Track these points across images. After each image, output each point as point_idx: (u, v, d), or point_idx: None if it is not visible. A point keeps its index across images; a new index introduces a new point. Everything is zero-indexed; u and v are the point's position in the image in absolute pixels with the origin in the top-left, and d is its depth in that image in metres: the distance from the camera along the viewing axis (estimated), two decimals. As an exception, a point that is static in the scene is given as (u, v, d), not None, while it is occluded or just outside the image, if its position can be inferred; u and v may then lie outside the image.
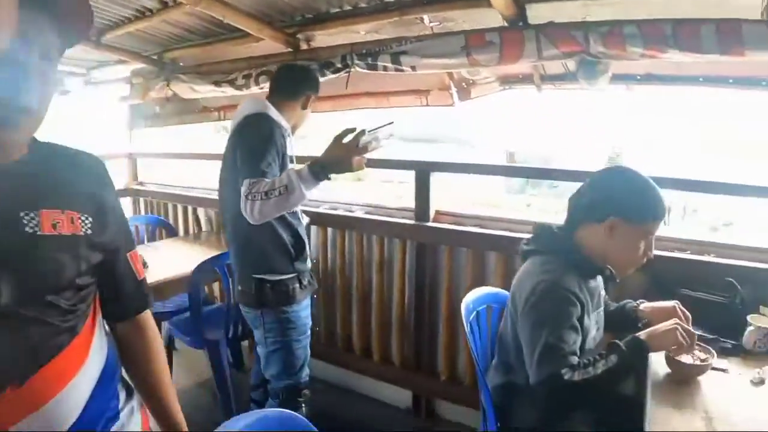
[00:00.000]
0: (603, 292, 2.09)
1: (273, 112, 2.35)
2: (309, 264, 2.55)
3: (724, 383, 2.24)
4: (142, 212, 4.94)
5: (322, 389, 3.47)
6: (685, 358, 2.22)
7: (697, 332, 2.35)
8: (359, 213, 3.57)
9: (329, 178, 2.04)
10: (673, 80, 2.76)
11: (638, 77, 2.86)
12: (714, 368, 2.27)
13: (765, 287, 2.64)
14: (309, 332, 2.53)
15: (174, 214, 4.75)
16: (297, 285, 2.45)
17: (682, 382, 2.20)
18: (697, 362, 2.04)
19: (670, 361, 2.21)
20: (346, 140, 2.00)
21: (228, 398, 2.94)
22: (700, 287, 2.52)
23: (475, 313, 2.28)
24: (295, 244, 2.41)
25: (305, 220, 2.62)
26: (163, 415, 1.39)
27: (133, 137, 5.06)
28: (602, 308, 2.07)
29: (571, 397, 1.69)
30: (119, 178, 4.78)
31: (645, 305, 2.18)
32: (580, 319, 1.78)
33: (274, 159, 2.17)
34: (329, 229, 3.59)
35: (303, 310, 2.49)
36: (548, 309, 1.75)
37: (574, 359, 1.69)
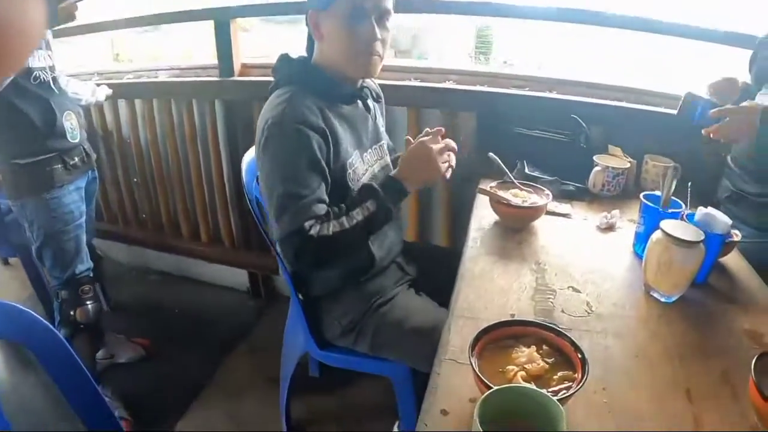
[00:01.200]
0: (382, 128, 1.76)
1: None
2: (76, 140, 2.09)
3: (566, 230, 1.79)
4: None
5: (159, 280, 3.22)
6: (514, 200, 1.74)
7: (534, 173, 1.97)
8: (163, 77, 2.93)
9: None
10: None
11: None
12: (553, 213, 1.84)
13: (614, 126, 2.26)
14: (82, 220, 2.14)
15: None
16: (59, 166, 2.02)
17: (516, 229, 1.75)
18: (526, 205, 1.72)
19: (496, 205, 1.74)
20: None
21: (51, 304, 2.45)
22: (539, 126, 2.18)
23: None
24: (42, 118, 1.95)
25: (74, 87, 2.23)
26: None
27: None
28: (384, 143, 1.74)
29: (325, 252, 1.41)
30: None
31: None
32: (335, 154, 1.45)
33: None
34: (137, 102, 2.93)
35: (67, 195, 2.06)
36: (278, 150, 1.39)
37: (321, 207, 1.39)
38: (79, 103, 2.20)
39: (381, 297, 1.63)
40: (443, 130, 1.52)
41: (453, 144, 1.52)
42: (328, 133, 1.40)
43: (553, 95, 2.32)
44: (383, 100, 1.79)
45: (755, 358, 1.05)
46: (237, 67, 2.74)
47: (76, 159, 2.09)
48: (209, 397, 2.27)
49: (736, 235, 1.58)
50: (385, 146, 1.71)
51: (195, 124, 2.85)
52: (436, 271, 1.79)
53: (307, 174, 1.36)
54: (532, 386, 0.93)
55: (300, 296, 1.68)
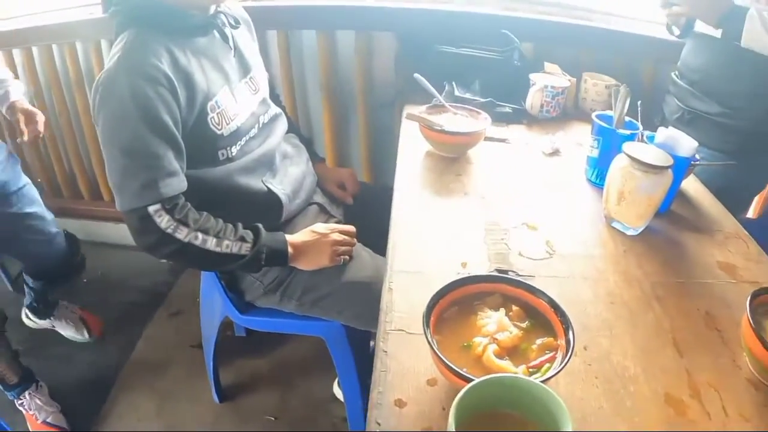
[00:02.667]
0: (252, 57, 1.46)
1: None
2: None
3: (507, 157, 1.57)
4: None
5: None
6: (450, 125, 1.50)
7: (465, 95, 1.75)
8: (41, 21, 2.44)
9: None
10: None
11: None
12: (490, 138, 1.61)
13: (547, 43, 2.07)
14: None
15: None
16: None
17: (451, 159, 1.51)
18: (462, 130, 1.49)
19: (428, 133, 1.48)
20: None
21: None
22: (464, 43, 1.95)
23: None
24: None
25: None
26: None
27: None
28: (255, 74, 1.44)
29: (167, 250, 1.19)
30: None
31: (322, 166, 1.71)
32: (188, 103, 1.18)
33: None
34: (15, 53, 2.46)
35: None
36: (111, 115, 1.12)
37: (168, 184, 1.14)
38: None
39: None
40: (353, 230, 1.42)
41: (351, 231, 1.42)
42: (175, 82, 1.15)
43: (480, 10, 2.07)
44: (251, 24, 1.53)
45: (748, 301, 0.88)
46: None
47: None
48: (132, 374, 2.02)
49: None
50: (258, 77, 1.44)
51: (80, 69, 2.41)
52: (367, 213, 1.56)
53: (149, 142, 1.12)
54: (517, 372, 0.75)
55: None
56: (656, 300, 1.05)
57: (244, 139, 1.32)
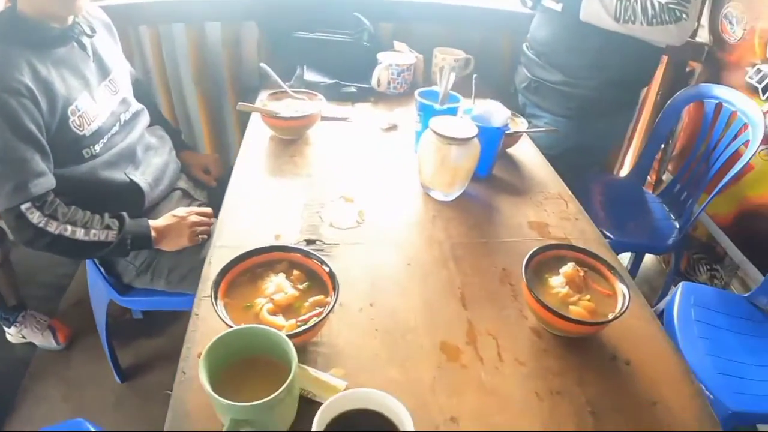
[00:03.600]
0: (111, 58, 1.49)
1: None
2: None
3: (345, 135, 1.58)
4: None
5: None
6: (287, 110, 1.50)
7: (314, 78, 1.76)
8: None
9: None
10: None
11: None
12: (330, 118, 1.62)
13: (402, 22, 2.10)
14: None
15: None
16: None
17: (291, 141, 1.51)
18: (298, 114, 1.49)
19: (266, 120, 1.48)
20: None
21: None
22: (320, 28, 1.96)
23: None
24: None
25: None
26: None
27: None
28: (114, 76, 1.48)
29: (43, 244, 1.27)
30: None
31: (188, 153, 1.77)
32: (50, 111, 1.24)
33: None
34: None
35: None
36: None
37: (37, 184, 1.22)
38: None
39: None
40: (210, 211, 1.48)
41: (208, 212, 1.48)
42: (36, 93, 1.21)
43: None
44: (111, 26, 1.55)
45: (526, 259, 0.92)
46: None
47: None
48: (40, 366, 2.01)
49: (519, 124, 1.46)
50: (118, 78, 1.49)
51: None
52: None
53: (17, 148, 1.19)
54: (285, 325, 0.82)
55: None
56: (453, 260, 1.07)
57: (106, 137, 1.39)
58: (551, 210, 1.26)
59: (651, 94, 2.27)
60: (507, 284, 1.02)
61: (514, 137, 1.42)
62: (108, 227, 1.31)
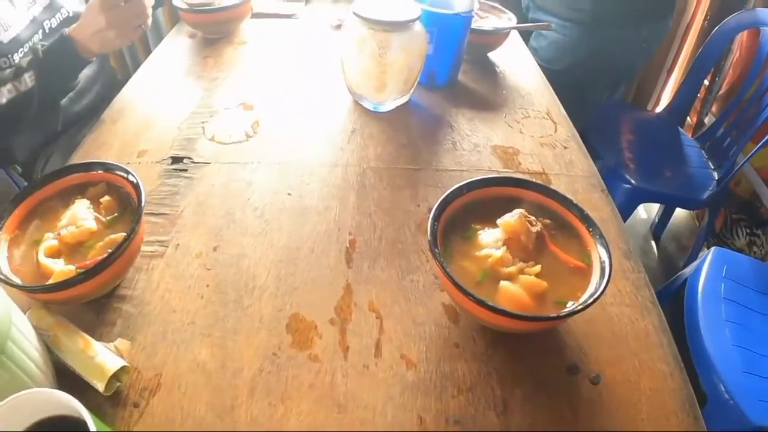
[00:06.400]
0: None
1: None
2: None
3: (286, 33, 1.25)
4: None
5: None
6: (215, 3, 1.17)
7: None
8: None
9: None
10: None
11: None
12: (272, 15, 1.31)
13: None
14: None
15: None
16: None
17: (214, 40, 1.21)
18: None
19: (183, 15, 1.19)
20: None
21: None
22: None
23: None
24: None
25: None
26: None
27: None
28: None
29: None
30: None
31: None
32: None
33: None
34: None
35: None
36: None
37: None
38: None
39: None
40: None
41: None
42: None
43: None
44: None
45: (441, 198, 0.60)
46: None
47: None
48: None
49: (507, 20, 1.09)
50: None
51: None
52: None
53: None
54: (54, 264, 0.58)
55: (18, 168, 1.30)
56: (355, 191, 0.75)
57: (26, 45, 1.14)
58: (530, 132, 0.91)
59: (697, 16, 1.83)
60: (424, 233, 0.68)
61: (497, 36, 1.06)
62: (17, 72, 1.01)
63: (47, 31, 1.20)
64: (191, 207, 0.72)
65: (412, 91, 0.90)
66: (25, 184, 1.29)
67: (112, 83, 1.33)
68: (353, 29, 0.84)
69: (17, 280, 0.54)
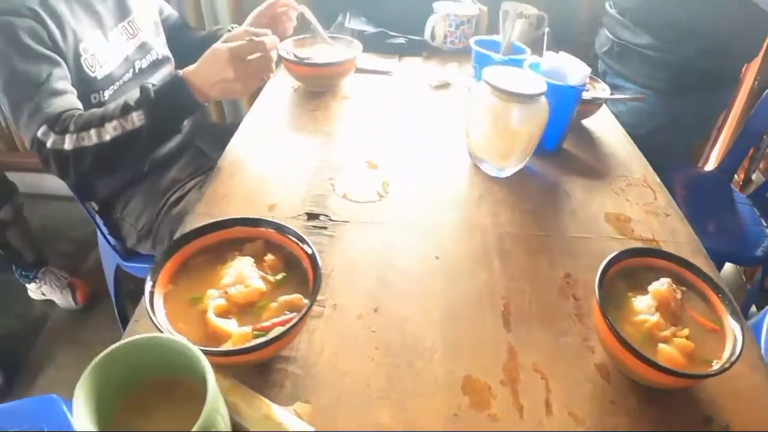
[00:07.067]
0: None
1: None
2: None
3: (385, 90, 1.31)
4: None
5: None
6: (319, 57, 1.25)
7: (358, 26, 1.50)
8: None
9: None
10: None
11: None
12: (369, 70, 1.37)
13: None
14: None
15: None
16: None
17: (318, 94, 1.26)
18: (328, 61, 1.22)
19: (288, 66, 1.24)
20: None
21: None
22: None
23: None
24: None
25: None
26: None
27: None
28: (133, 17, 1.27)
29: (66, 167, 1.03)
30: None
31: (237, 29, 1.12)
32: (62, 37, 1.08)
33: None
34: None
35: None
36: None
37: (52, 104, 1.02)
38: None
39: (175, 192, 1.29)
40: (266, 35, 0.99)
41: (271, 41, 0.98)
42: (43, 15, 1.06)
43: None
44: None
45: (603, 266, 0.64)
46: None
47: None
48: (56, 326, 1.95)
49: (600, 90, 1.15)
50: (140, 21, 1.30)
51: None
52: None
53: (27, 70, 1.03)
54: (227, 325, 0.58)
55: (95, 204, 1.36)
56: (498, 256, 0.79)
57: (117, 83, 1.21)
58: (635, 200, 0.96)
59: (747, 77, 1.90)
60: (570, 298, 0.73)
61: (593, 105, 1.12)
62: (126, 110, 1.02)
63: (137, 71, 1.26)
64: (340, 266, 0.75)
65: (528, 158, 0.96)
66: (100, 221, 1.36)
67: (197, 127, 1.38)
68: (482, 98, 0.90)
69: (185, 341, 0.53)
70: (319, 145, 1.05)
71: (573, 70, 0.99)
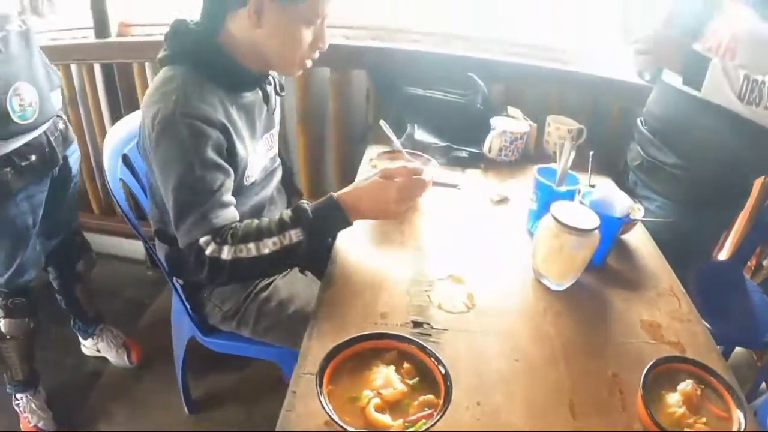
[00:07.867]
0: (278, 109, 1.49)
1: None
2: (29, 120, 1.50)
3: (455, 203, 1.58)
4: None
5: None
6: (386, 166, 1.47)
7: (425, 139, 1.79)
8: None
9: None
10: None
11: None
12: (440, 183, 1.60)
13: (515, 85, 2.08)
14: (29, 233, 1.66)
15: None
16: (7, 170, 1.50)
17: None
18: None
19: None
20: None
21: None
22: (434, 85, 1.96)
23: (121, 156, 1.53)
24: None
25: None
26: None
27: None
28: (276, 131, 1.49)
29: (219, 276, 1.16)
30: None
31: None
32: (230, 150, 1.21)
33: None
34: None
35: (15, 207, 1.58)
36: (169, 152, 1.14)
37: (220, 215, 1.15)
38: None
39: (261, 281, 1.46)
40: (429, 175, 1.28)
41: (429, 177, 1.27)
42: (230, 128, 1.19)
43: (449, 51, 2.09)
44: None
45: (644, 371, 0.90)
46: (114, 27, 2.36)
47: (33, 157, 1.55)
48: (110, 382, 2.09)
49: (638, 210, 1.42)
50: (276, 133, 1.49)
51: (75, 88, 2.47)
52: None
53: (204, 177, 1.14)
54: (392, 425, 0.79)
55: (180, 282, 1.50)
56: (564, 359, 1.05)
57: (253, 190, 1.38)
58: (664, 309, 1.21)
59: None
60: (616, 393, 0.99)
61: (630, 225, 1.39)
62: (283, 227, 1.15)
63: (264, 176, 1.41)
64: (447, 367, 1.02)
65: (580, 274, 1.23)
66: (183, 295, 1.49)
67: None
68: (547, 227, 1.18)
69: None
70: (410, 257, 1.31)
71: (618, 201, 1.27)
